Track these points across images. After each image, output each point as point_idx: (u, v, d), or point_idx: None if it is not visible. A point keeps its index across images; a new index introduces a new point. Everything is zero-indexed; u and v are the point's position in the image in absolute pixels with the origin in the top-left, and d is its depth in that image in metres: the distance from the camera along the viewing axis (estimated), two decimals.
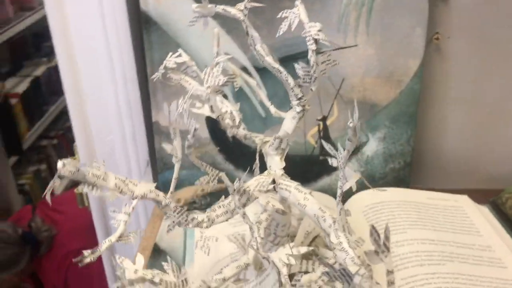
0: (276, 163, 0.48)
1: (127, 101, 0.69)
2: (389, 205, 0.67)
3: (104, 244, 0.41)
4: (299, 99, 0.46)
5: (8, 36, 1.82)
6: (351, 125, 0.37)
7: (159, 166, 0.72)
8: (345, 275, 0.35)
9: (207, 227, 0.45)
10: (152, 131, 0.71)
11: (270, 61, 0.45)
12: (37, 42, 2.16)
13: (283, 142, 0.47)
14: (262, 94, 0.51)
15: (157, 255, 0.65)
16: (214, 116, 0.49)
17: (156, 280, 0.36)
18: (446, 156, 0.76)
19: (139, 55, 0.66)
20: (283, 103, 0.68)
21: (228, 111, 0.52)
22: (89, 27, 0.63)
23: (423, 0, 0.63)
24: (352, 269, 0.37)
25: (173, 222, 0.44)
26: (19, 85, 1.95)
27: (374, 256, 0.34)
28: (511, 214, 0.68)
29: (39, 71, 2.05)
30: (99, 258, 0.63)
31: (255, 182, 0.47)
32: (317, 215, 0.43)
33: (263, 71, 0.67)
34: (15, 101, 1.85)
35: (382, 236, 0.34)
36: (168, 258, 0.43)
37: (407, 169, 0.72)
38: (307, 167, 0.72)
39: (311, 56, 0.42)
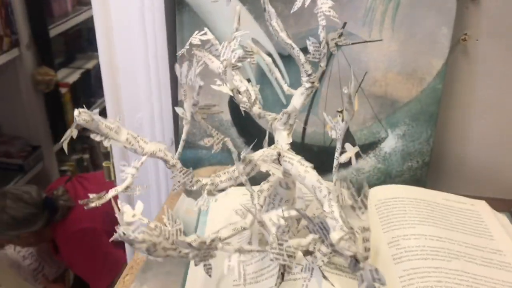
0: (283, 138, 0.50)
1: (157, 80, 0.72)
2: (403, 201, 0.67)
3: (110, 193, 0.44)
4: (309, 75, 0.47)
5: (65, 29, 1.93)
6: (345, 91, 0.39)
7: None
8: (323, 229, 0.37)
9: (210, 190, 0.47)
10: None
11: (284, 36, 0.47)
12: (91, 37, 2.27)
13: (291, 117, 0.49)
14: (278, 73, 0.53)
15: None
16: (229, 91, 0.51)
17: (152, 225, 0.38)
18: (466, 161, 0.75)
19: (171, 36, 0.70)
20: None
21: (245, 88, 0.54)
22: (128, 5, 0.67)
23: None
24: (337, 234, 0.38)
25: (179, 182, 0.46)
26: (70, 76, 2.05)
27: (350, 211, 0.36)
28: None
29: (91, 64, 2.15)
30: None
31: (260, 153, 0.48)
32: (314, 186, 0.45)
33: (287, 59, 0.69)
34: (65, 91, 1.95)
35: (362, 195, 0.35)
36: (165, 206, 0.45)
37: (424, 169, 0.72)
38: (324, 158, 0.72)
39: (321, 32, 0.44)
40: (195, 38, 0.53)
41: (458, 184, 0.76)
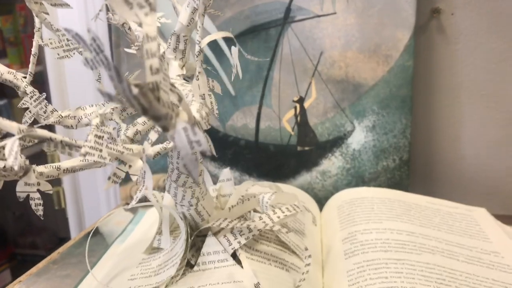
0: (175, 69, 0.41)
1: None
2: (372, 200, 0.54)
3: None
4: None
5: None
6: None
7: None
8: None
9: (71, 125, 0.37)
10: None
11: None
12: None
13: (181, 40, 0.40)
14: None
15: (91, 237, 0.57)
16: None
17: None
18: (457, 161, 0.61)
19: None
20: (255, 79, 0.60)
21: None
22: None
23: None
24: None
25: (31, 113, 0.37)
26: None
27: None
28: None
29: None
30: None
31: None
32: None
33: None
34: None
35: None
36: None
37: (404, 170, 0.59)
38: (282, 160, 0.61)
39: None
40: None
41: (451, 192, 0.61)
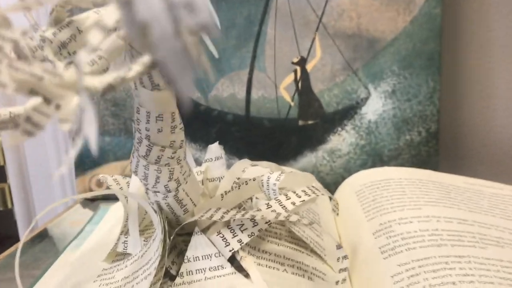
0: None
1: None
2: (400, 182, 0.42)
3: None
4: None
5: None
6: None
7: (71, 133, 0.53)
8: None
9: None
10: None
11: None
12: None
13: None
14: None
15: (36, 242, 0.43)
16: None
17: None
18: (490, 133, 0.50)
19: None
20: (244, 36, 0.48)
21: None
22: None
23: None
24: None
25: None
26: None
27: None
28: None
29: None
30: None
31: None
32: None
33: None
34: None
35: None
36: None
37: (432, 144, 0.47)
38: (281, 138, 0.49)
39: None
40: None
41: (484, 173, 0.50)
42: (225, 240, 0.29)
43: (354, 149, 0.48)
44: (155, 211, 0.31)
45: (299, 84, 0.48)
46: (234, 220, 0.29)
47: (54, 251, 0.42)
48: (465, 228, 0.34)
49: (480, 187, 0.44)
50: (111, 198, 0.53)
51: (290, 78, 0.48)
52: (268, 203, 0.30)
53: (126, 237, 0.33)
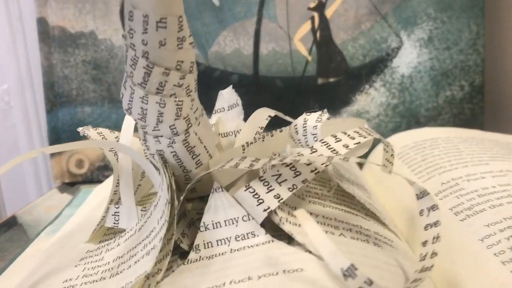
0: None
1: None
2: (451, 141, 0.35)
3: None
4: None
5: None
6: None
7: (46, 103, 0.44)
8: None
9: None
10: None
11: None
12: None
13: None
14: None
15: (2, 231, 0.35)
16: None
17: None
18: None
19: None
20: None
21: None
22: None
23: None
24: None
25: None
26: None
27: None
28: None
29: None
30: None
31: None
32: None
33: None
34: None
35: None
36: None
37: (477, 100, 0.40)
38: (296, 100, 0.41)
39: None
40: None
41: None
42: (257, 196, 0.21)
43: (385, 110, 0.41)
44: (156, 168, 0.23)
45: (317, 34, 0.41)
46: (268, 168, 0.21)
47: (24, 240, 0.33)
48: None
49: None
50: (94, 181, 0.44)
51: (306, 27, 0.41)
52: (312, 147, 0.22)
53: (118, 207, 0.25)
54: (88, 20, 0.42)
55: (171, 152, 0.22)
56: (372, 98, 0.41)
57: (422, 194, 0.19)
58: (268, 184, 0.21)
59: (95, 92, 0.42)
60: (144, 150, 0.23)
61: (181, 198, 0.22)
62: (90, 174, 0.44)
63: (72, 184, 0.44)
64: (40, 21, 0.42)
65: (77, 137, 0.42)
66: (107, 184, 0.40)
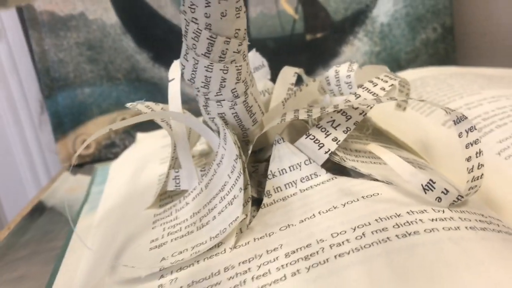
0: None
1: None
2: (437, 77, 0.39)
3: None
4: None
5: None
6: None
7: (43, 90, 0.44)
8: None
9: None
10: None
11: None
12: None
13: None
14: None
15: (36, 216, 0.36)
16: None
17: None
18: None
19: None
20: None
21: None
22: None
23: None
24: None
25: None
26: None
27: None
28: None
29: None
30: None
31: None
32: None
33: None
34: None
35: None
36: None
37: (449, 40, 0.44)
38: (288, 58, 0.44)
39: None
40: None
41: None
42: (317, 141, 0.24)
43: (369, 58, 0.44)
44: (213, 130, 0.25)
45: None
46: (327, 114, 0.24)
47: (63, 220, 0.34)
48: None
49: None
50: (103, 159, 0.45)
51: None
52: (355, 93, 0.25)
53: (177, 172, 0.27)
54: (76, 1, 0.42)
55: (232, 114, 0.24)
56: (357, 48, 0.44)
57: (459, 120, 0.23)
58: (325, 130, 0.24)
59: (92, 72, 0.43)
60: (203, 115, 0.25)
61: (249, 151, 0.24)
62: (98, 154, 0.45)
63: (80, 165, 0.45)
64: (27, 8, 0.42)
65: (81, 118, 0.43)
66: (123, 159, 0.41)
